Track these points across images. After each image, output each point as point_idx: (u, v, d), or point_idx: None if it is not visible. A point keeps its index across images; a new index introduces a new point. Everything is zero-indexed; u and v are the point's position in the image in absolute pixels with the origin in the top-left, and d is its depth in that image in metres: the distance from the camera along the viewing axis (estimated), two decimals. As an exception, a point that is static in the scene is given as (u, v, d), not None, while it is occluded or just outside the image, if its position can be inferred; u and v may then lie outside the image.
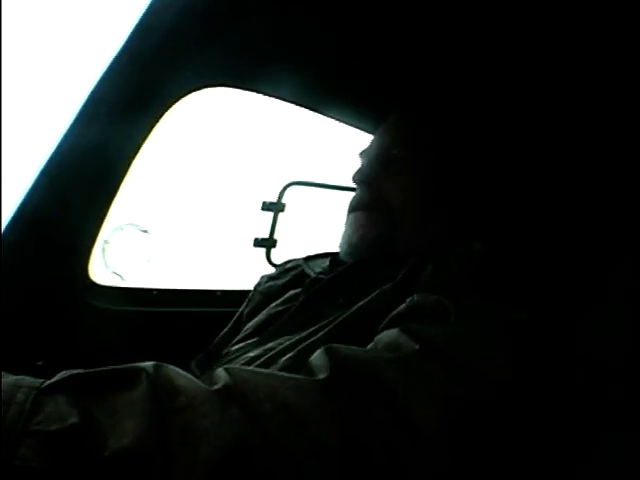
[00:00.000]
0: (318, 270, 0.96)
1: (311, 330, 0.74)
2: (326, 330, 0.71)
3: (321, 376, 0.51)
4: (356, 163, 0.96)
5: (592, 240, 0.84)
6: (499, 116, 1.03)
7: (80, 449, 0.40)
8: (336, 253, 0.98)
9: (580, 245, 0.85)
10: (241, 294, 1.31)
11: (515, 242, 0.91)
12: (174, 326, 1.30)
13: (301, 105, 1.26)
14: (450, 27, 0.87)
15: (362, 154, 0.96)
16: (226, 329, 1.06)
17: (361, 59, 1.04)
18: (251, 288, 1.10)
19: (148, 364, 0.48)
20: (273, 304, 0.94)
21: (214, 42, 0.99)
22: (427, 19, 0.87)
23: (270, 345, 0.78)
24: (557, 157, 0.98)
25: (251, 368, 0.55)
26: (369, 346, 0.60)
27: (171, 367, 0.50)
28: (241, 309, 1.07)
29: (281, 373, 0.53)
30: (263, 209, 1.55)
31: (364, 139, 1.14)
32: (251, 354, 0.79)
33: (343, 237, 0.90)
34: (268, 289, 1.02)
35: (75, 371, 0.46)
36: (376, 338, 0.61)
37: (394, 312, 0.66)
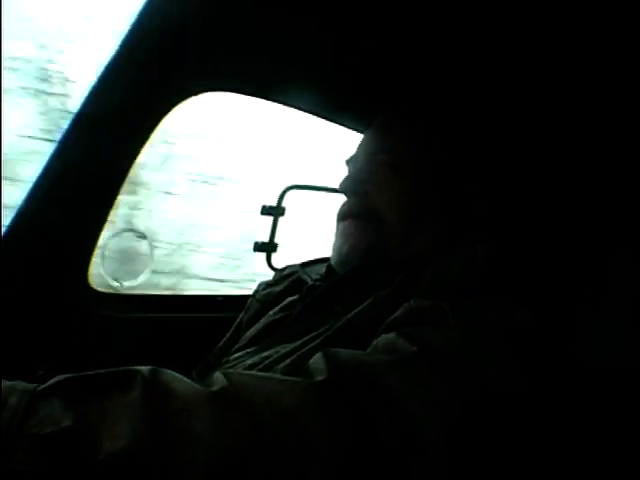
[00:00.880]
0: (315, 277, 0.95)
1: (308, 338, 0.74)
2: (323, 338, 0.71)
3: (319, 378, 0.51)
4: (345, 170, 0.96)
5: (591, 239, 0.84)
6: (493, 115, 1.03)
7: (75, 452, 0.39)
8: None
9: (579, 245, 0.85)
10: (242, 299, 1.30)
11: (515, 243, 0.90)
12: (175, 332, 1.30)
13: (306, 111, 1.26)
14: (444, 30, 0.87)
15: (349, 162, 0.95)
16: (225, 337, 1.06)
17: (357, 62, 1.04)
18: (251, 293, 1.10)
19: (144, 368, 0.48)
20: (271, 312, 0.94)
21: (213, 46, 0.99)
22: (422, 23, 0.87)
23: (268, 353, 0.77)
24: (555, 156, 0.98)
25: (249, 372, 0.55)
26: (367, 350, 0.60)
27: (167, 371, 0.49)
28: (240, 317, 1.06)
29: (279, 376, 0.54)
30: (263, 213, 1.55)
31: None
32: (249, 362, 0.78)
33: (333, 247, 0.89)
34: (266, 296, 1.02)
35: (70, 374, 0.46)
36: (373, 342, 0.61)
37: (391, 317, 0.65)
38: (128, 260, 1.31)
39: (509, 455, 0.58)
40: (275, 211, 1.54)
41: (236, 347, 0.92)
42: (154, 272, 1.37)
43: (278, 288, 1.02)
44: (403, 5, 0.81)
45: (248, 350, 0.86)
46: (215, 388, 0.47)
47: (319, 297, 0.84)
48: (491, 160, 0.99)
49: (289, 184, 1.58)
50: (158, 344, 1.23)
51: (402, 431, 0.48)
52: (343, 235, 0.87)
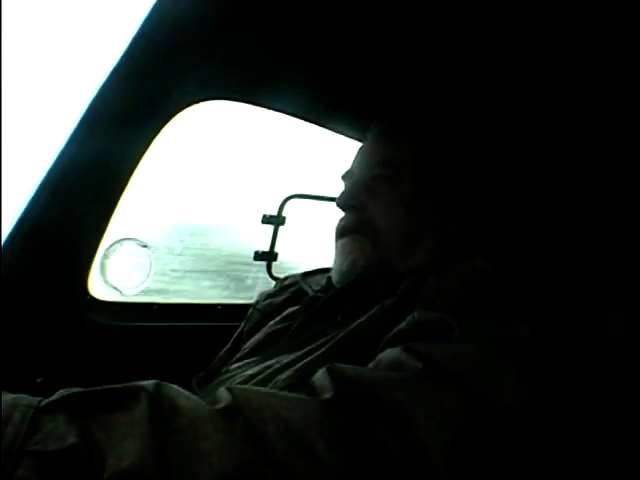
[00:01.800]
0: (316, 287, 0.95)
1: (310, 348, 0.74)
2: (325, 348, 0.71)
3: (325, 396, 0.51)
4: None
5: (593, 251, 0.84)
6: (492, 126, 1.03)
7: (79, 470, 0.39)
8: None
9: (581, 256, 0.85)
10: (242, 308, 1.31)
11: (516, 256, 0.90)
12: (175, 340, 1.30)
13: (301, 118, 1.27)
14: (439, 34, 0.87)
15: (344, 177, 0.95)
16: (226, 347, 1.06)
17: (357, 71, 1.04)
18: (251, 302, 1.10)
19: (149, 383, 0.48)
20: (272, 322, 0.93)
21: (214, 55, 1.00)
22: (416, 27, 0.87)
23: (269, 363, 0.77)
24: (554, 168, 0.98)
25: (254, 387, 0.55)
26: (371, 364, 0.60)
27: (172, 386, 0.50)
28: (241, 327, 1.06)
29: (284, 393, 0.53)
30: (263, 222, 1.55)
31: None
32: (249, 372, 0.78)
33: (334, 265, 0.89)
34: (266, 307, 1.02)
35: (74, 389, 0.46)
36: (378, 357, 0.61)
37: (395, 330, 0.65)
38: (129, 268, 1.31)
39: (513, 468, 0.58)
40: (275, 220, 1.55)
41: (237, 357, 0.91)
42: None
43: (279, 298, 1.01)
44: (397, 10, 0.82)
45: (248, 360, 0.86)
46: (220, 406, 0.47)
47: (320, 308, 0.84)
48: (490, 171, 0.99)
49: (289, 193, 1.59)
50: (158, 352, 1.23)
51: (409, 448, 0.48)
52: (342, 253, 0.87)
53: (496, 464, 0.55)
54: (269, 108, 1.22)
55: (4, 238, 1.01)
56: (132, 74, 0.97)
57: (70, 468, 0.39)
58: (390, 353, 0.59)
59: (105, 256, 1.22)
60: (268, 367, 0.75)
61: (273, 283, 1.17)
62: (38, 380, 1.05)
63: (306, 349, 0.74)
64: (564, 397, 0.68)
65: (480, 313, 0.64)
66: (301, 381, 0.63)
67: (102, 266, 1.22)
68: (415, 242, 0.85)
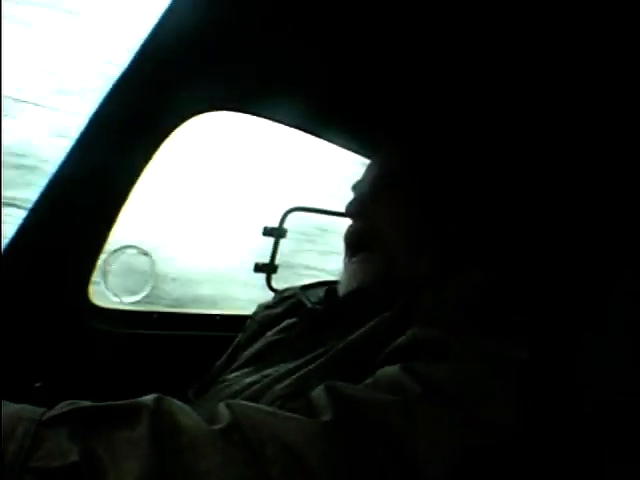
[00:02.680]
0: (314, 300, 0.96)
1: (308, 358, 0.74)
2: (324, 359, 0.71)
3: (324, 418, 0.51)
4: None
5: (593, 265, 0.84)
6: (493, 136, 1.04)
7: None
8: (332, 282, 0.98)
9: (581, 269, 0.85)
10: (240, 318, 1.31)
11: (516, 267, 0.90)
12: (174, 349, 1.29)
13: (303, 130, 1.28)
14: (438, 46, 0.88)
15: (355, 187, 0.96)
16: (223, 357, 1.06)
17: (357, 86, 1.05)
18: (250, 313, 1.10)
19: (150, 398, 0.48)
20: (269, 333, 0.93)
21: (216, 67, 1.01)
22: (415, 42, 0.88)
23: (267, 372, 0.77)
24: (552, 178, 0.98)
25: (253, 404, 0.55)
26: (369, 381, 0.60)
27: (173, 401, 0.50)
28: (238, 338, 1.06)
29: (283, 412, 0.53)
30: (264, 234, 1.56)
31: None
32: (247, 380, 0.78)
33: (342, 283, 0.90)
34: (264, 318, 1.02)
35: (77, 403, 0.46)
36: (377, 373, 0.60)
37: (394, 345, 0.65)
38: (129, 276, 1.32)
39: None
40: (277, 232, 1.55)
41: (234, 366, 0.91)
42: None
43: (277, 310, 1.02)
44: (394, 21, 0.83)
45: (246, 370, 0.86)
46: (220, 425, 0.47)
47: (319, 318, 0.85)
48: (491, 180, 0.99)
49: (291, 206, 1.59)
50: (157, 361, 1.23)
51: (407, 472, 0.48)
52: (353, 274, 0.88)
53: None
54: (271, 119, 1.23)
55: (5, 244, 1.01)
56: (134, 86, 0.99)
57: None
58: (389, 372, 0.59)
59: (106, 263, 1.23)
60: (266, 376, 0.75)
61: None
62: (36, 385, 1.05)
63: (304, 359, 0.74)
64: (561, 420, 0.68)
65: (479, 331, 0.64)
66: (299, 391, 0.63)
67: (103, 273, 1.23)
68: (418, 252, 0.86)
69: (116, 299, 1.27)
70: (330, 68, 1.01)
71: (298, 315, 0.92)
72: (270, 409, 0.54)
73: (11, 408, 0.44)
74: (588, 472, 0.66)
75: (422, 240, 0.87)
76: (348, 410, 0.52)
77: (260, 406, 0.56)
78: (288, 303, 1.02)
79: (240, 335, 1.06)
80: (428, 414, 0.53)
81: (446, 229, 0.88)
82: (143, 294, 1.31)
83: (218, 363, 1.05)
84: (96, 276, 1.18)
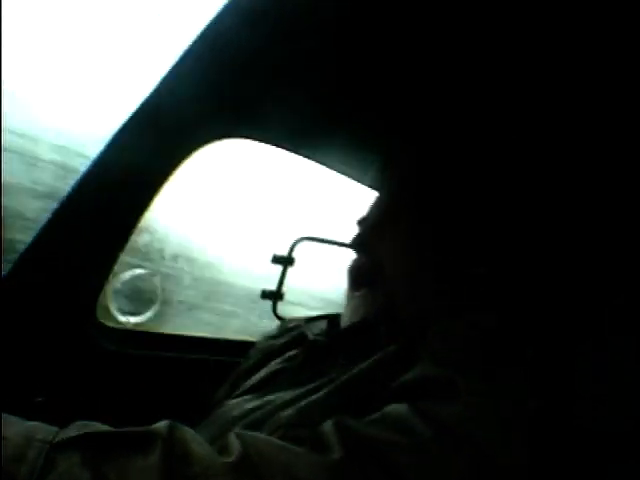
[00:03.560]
0: (317, 332, 0.96)
1: (311, 387, 0.74)
2: (327, 389, 0.71)
3: (335, 456, 0.50)
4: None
5: (587, 282, 0.83)
6: (498, 163, 1.04)
7: None
8: (335, 316, 0.98)
9: (576, 290, 0.84)
10: (244, 344, 1.31)
11: (521, 307, 0.90)
12: (179, 371, 1.29)
13: (314, 160, 1.31)
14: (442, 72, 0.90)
15: (360, 222, 0.96)
16: (226, 383, 1.06)
17: (365, 111, 1.07)
18: (254, 339, 1.10)
19: (163, 426, 0.49)
20: (272, 363, 0.94)
21: (233, 95, 1.04)
22: (418, 64, 0.90)
23: (268, 398, 0.77)
24: (553, 195, 0.98)
25: (264, 437, 0.55)
26: (377, 416, 0.59)
27: (185, 429, 0.50)
28: (239, 368, 1.06)
29: (295, 447, 0.52)
30: (273, 262, 1.57)
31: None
32: (248, 406, 0.78)
33: (344, 316, 0.90)
34: (267, 348, 1.02)
35: (88, 425, 0.47)
36: (385, 410, 0.60)
37: (400, 381, 0.64)
38: (137, 296, 1.33)
39: None
40: (285, 261, 1.56)
41: (236, 393, 0.91)
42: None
43: (280, 341, 1.02)
44: (393, 34, 0.84)
45: (248, 397, 0.86)
46: (232, 458, 0.47)
47: (322, 349, 0.85)
48: (495, 215, 1.00)
49: (301, 236, 1.61)
50: (161, 382, 1.23)
51: None
52: (355, 308, 0.87)
53: None
54: (284, 148, 1.26)
55: (14, 260, 1.03)
56: (154, 112, 1.01)
57: None
58: (397, 411, 0.59)
59: (114, 282, 1.24)
60: (268, 402, 0.75)
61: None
62: (38, 400, 1.05)
63: (307, 387, 0.74)
64: (567, 460, 0.67)
65: (486, 370, 0.63)
66: (301, 420, 0.63)
67: (111, 292, 1.24)
68: (422, 288, 0.86)
69: (123, 318, 1.28)
70: (349, 99, 1.03)
71: (301, 346, 0.92)
72: (281, 443, 0.54)
73: (21, 427, 0.44)
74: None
75: (426, 276, 0.86)
76: (358, 449, 0.51)
77: (270, 439, 0.55)
78: (291, 335, 1.02)
79: (242, 363, 1.06)
80: (439, 456, 0.52)
81: (452, 265, 0.88)
82: (149, 314, 1.31)
83: (221, 389, 1.05)
84: (104, 295, 1.19)
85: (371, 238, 0.89)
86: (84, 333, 1.16)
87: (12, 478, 0.39)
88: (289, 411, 0.69)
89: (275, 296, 1.57)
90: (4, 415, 0.44)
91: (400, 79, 0.96)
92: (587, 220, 0.90)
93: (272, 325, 1.17)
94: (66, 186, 1.02)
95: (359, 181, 1.41)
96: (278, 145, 1.24)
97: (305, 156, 1.29)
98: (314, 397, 0.70)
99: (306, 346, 0.89)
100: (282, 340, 1.02)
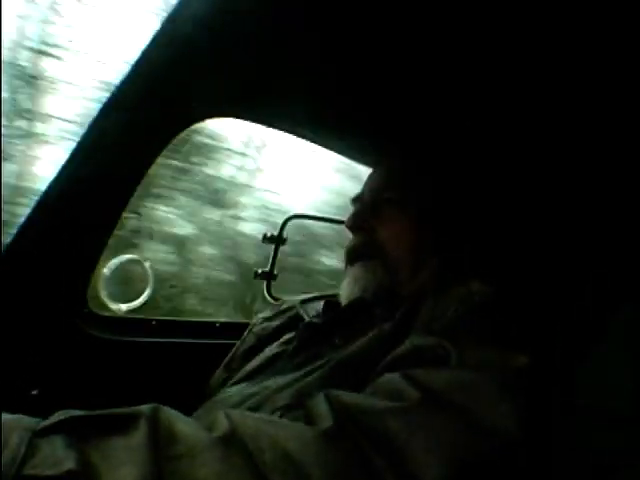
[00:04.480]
0: (313, 313, 0.96)
1: (307, 370, 0.74)
2: (323, 371, 0.71)
3: (323, 426, 0.51)
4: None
5: (592, 284, 0.83)
6: (495, 150, 1.04)
7: None
8: (330, 296, 0.98)
9: (581, 283, 0.85)
10: (239, 326, 1.30)
11: (515, 282, 0.90)
12: (172, 357, 1.29)
13: (308, 139, 1.29)
14: (446, 69, 0.88)
15: (354, 201, 0.97)
16: (220, 367, 1.06)
17: (360, 93, 1.05)
18: (248, 321, 1.10)
19: (147, 407, 0.48)
20: (268, 348, 0.94)
21: (219, 73, 1.01)
22: (423, 60, 0.88)
23: (266, 384, 0.77)
24: (556, 196, 0.98)
25: (251, 413, 0.55)
26: (368, 389, 0.60)
27: (170, 410, 0.50)
28: (234, 349, 1.06)
29: (282, 420, 0.53)
30: (264, 242, 1.56)
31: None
32: (246, 392, 0.78)
33: (343, 291, 0.90)
34: (262, 331, 1.02)
35: (72, 412, 0.46)
36: (376, 381, 0.61)
37: (393, 354, 0.65)
38: (127, 283, 1.31)
39: None
40: (276, 240, 1.55)
41: (233, 380, 0.91)
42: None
43: (275, 323, 1.02)
44: (400, 31, 0.83)
45: (245, 383, 0.86)
46: (218, 433, 0.47)
47: (318, 331, 0.85)
48: (493, 196, 1.00)
49: (291, 213, 1.59)
50: (155, 368, 1.23)
51: (405, 477, 0.48)
52: (353, 280, 0.88)
53: None
54: (276, 127, 1.23)
55: (3, 250, 1.01)
56: (138, 90, 0.98)
57: None
58: (388, 379, 0.59)
59: (104, 270, 1.22)
60: (265, 388, 0.75)
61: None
62: (33, 392, 1.04)
63: (303, 371, 0.74)
64: (554, 428, 0.67)
65: (478, 339, 0.64)
66: (298, 402, 0.63)
67: (101, 280, 1.22)
68: (420, 265, 0.87)
69: (114, 306, 1.26)
70: (340, 77, 1.01)
71: (296, 329, 0.92)
72: (269, 418, 0.54)
73: (6, 418, 0.44)
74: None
75: (422, 253, 0.87)
76: (347, 417, 0.52)
77: (259, 415, 0.55)
78: (286, 316, 1.02)
79: (237, 345, 1.06)
80: (426, 420, 0.53)
81: (446, 242, 0.88)
82: (141, 301, 1.30)
83: (216, 374, 1.05)
84: (94, 282, 1.18)
85: (368, 219, 0.89)
86: (75, 323, 1.15)
87: None
88: (285, 394, 0.69)
89: (268, 276, 1.56)
90: None
91: (400, 69, 0.94)
92: (592, 215, 0.91)
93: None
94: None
95: (352, 159, 1.39)
96: (269, 125, 1.22)
97: (298, 135, 1.27)
98: (310, 379, 0.70)
99: (302, 329, 0.89)
100: (277, 322, 1.02)
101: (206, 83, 1.04)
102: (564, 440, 0.67)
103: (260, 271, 1.56)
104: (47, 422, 0.44)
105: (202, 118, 1.14)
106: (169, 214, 2.66)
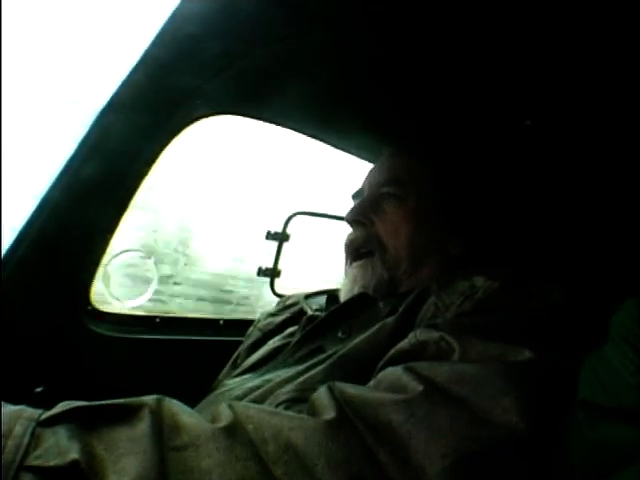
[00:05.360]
0: (316, 307, 0.96)
1: (310, 363, 0.74)
2: (326, 364, 0.71)
3: (326, 417, 0.50)
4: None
5: (594, 282, 0.83)
6: (497, 145, 1.04)
7: None
8: (334, 290, 0.98)
9: (584, 278, 0.84)
10: (243, 323, 1.30)
11: (517, 274, 0.90)
12: (175, 354, 1.29)
13: (311, 136, 1.28)
14: (446, 63, 0.88)
15: (354, 196, 0.97)
16: (226, 367, 1.06)
17: (362, 89, 1.05)
18: (253, 317, 1.10)
19: (151, 398, 0.48)
20: (271, 340, 0.94)
21: (224, 70, 1.01)
22: (425, 49, 0.88)
23: (268, 377, 0.77)
24: (558, 195, 0.98)
25: (255, 405, 0.55)
26: (372, 383, 0.60)
27: (174, 401, 0.50)
28: (240, 347, 1.06)
29: (286, 412, 0.53)
30: (267, 238, 1.55)
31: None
32: (249, 385, 0.78)
33: (344, 287, 0.91)
34: (266, 325, 1.03)
35: (76, 403, 0.46)
36: (379, 375, 0.60)
37: (396, 347, 0.65)
38: (132, 279, 1.31)
39: None
40: (280, 237, 1.55)
41: (237, 372, 0.91)
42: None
43: (279, 318, 1.02)
44: (404, 27, 0.83)
45: (248, 375, 0.86)
46: (221, 424, 0.47)
47: (320, 324, 0.85)
48: (495, 191, 0.99)
49: (295, 210, 1.59)
50: (158, 365, 1.23)
51: (408, 471, 0.48)
52: (352, 280, 0.89)
53: None
54: (278, 125, 1.23)
55: (7, 247, 1.01)
56: (141, 87, 0.98)
57: None
58: (391, 372, 0.59)
59: (108, 267, 1.22)
60: (268, 381, 0.75)
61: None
62: (37, 390, 1.04)
63: (306, 364, 0.74)
64: (557, 423, 0.67)
65: (481, 333, 0.64)
66: (302, 396, 0.63)
67: (105, 277, 1.22)
68: (420, 260, 0.87)
69: (118, 303, 1.26)
70: (341, 74, 1.01)
71: (299, 322, 0.92)
72: (272, 409, 0.54)
73: (10, 409, 0.44)
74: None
75: (423, 248, 0.87)
76: (350, 408, 0.52)
77: (262, 406, 0.55)
78: (290, 311, 1.03)
79: (243, 344, 1.06)
80: (429, 412, 0.52)
81: (447, 237, 0.88)
82: (145, 298, 1.30)
83: (225, 370, 1.05)
84: (98, 279, 1.18)
85: (368, 213, 0.89)
86: (79, 320, 1.15)
87: None
88: (289, 387, 0.69)
89: (272, 273, 1.56)
90: None
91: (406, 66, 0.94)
92: (594, 211, 0.90)
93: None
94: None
95: (355, 155, 1.39)
96: (271, 122, 1.22)
97: (300, 132, 1.27)
98: (313, 372, 0.70)
99: (305, 322, 0.89)
100: (281, 317, 1.02)
101: (209, 81, 1.04)
102: (567, 435, 0.67)
103: (264, 268, 1.56)
104: (51, 412, 0.44)
105: (205, 116, 1.13)
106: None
